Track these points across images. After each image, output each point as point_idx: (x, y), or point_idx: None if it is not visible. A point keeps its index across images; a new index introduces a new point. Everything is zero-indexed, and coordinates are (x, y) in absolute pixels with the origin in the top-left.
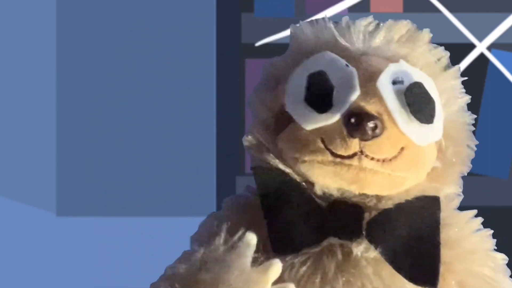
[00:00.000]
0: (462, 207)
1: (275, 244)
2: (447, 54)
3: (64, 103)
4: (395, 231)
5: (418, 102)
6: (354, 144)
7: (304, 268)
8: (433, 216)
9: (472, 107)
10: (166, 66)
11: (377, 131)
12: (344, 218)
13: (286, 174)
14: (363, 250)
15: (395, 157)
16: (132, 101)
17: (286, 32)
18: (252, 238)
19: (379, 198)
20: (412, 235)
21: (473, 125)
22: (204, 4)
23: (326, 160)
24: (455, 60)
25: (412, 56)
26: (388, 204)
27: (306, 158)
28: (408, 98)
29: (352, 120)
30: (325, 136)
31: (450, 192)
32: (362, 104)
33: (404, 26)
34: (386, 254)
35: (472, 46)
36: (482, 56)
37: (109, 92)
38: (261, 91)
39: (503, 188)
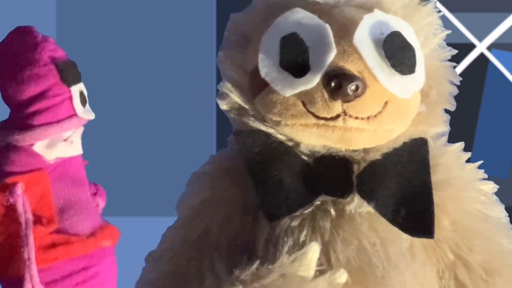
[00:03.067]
0: None
1: (268, 211)
2: None
3: None
4: (386, 182)
5: (398, 54)
6: (337, 106)
7: (304, 233)
8: (422, 159)
9: (472, 107)
10: (166, 66)
11: (359, 91)
12: (333, 174)
13: (269, 135)
14: (356, 206)
15: (379, 112)
16: (132, 101)
17: None
18: (316, 250)
19: (366, 150)
20: (403, 183)
21: (473, 125)
22: (204, 4)
23: (310, 123)
24: (455, 60)
25: (387, 0)
26: (376, 155)
27: (288, 122)
28: (387, 50)
29: (333, 83)
30: (305, 99)
31: (437, 131)
32: (341, 63)
33: None
34: (379, 208)
35: (472, 46)
36: (482, 56)
37: (109, 92)
38: (230, 50)
39: (503, 188)
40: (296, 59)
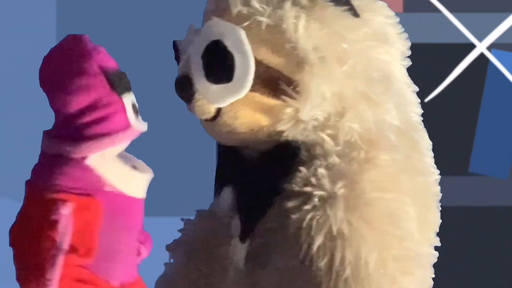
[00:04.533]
0: (462, 208)
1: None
2: None
3: None
4: (248, 182)
5: (212, 63)
6: (188, 110)
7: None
8: (280, 164)
9: (472, 107)
10: (166, 66)
11: (187, 95)
12: (234, 167)
13: None
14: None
15: (214, 116)
16: None
17: None
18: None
19: (249, 147)
20: (257, 185)
21: (473, 125)
22: (204, 4)
23: None
24: (455, 60)
25: (233, 4)
26: (254, 153)
27: None
28: (203, 60)
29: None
30: None
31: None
32: (184, 70)
33: None
34: (239, 205)
35: (472, 46)
36: (482, 56)
37: None
38: None
39: (503, 188)
40: (177, 61)
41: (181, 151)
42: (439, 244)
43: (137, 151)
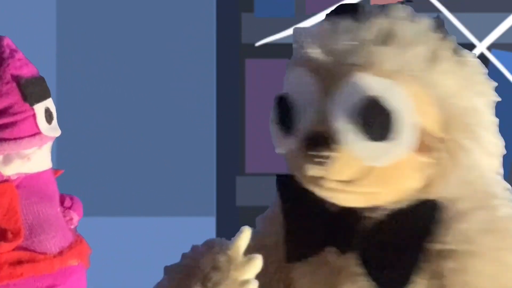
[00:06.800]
0: None
1: (285, 254)
2: (451, 40)
3: (64, 104)
4: (381, 243)
5: (369, 119)
6: (313, 169)
7: (307, 278)
8: (425, 223)
9: None
10: (166, 66)
11: (329, 155)
12: (343, 229)
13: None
14: (353, 264)
15: (359, 178)
16: (132, 101)
17: (286, 32)
18: (246, 232)
19: (372, 208)
20: (397, 245)
21: None
22: (204, 4)
23: (305, 178)
24: None
25: (384, 58)
26: (382, 214)
27: (294, 173)
28: (358, 116)
29: (304, 148)
30: (296, 157)
31: (453, 195)
32: (317, 127)
33: (381, 23)
34: (366, 268)
35: (472, 46)
36: (482, 56)
37: (109, 92)
38: None
39: None
40: (284, 117)
41: (181, 151)
42: None
43: (137, 151)
